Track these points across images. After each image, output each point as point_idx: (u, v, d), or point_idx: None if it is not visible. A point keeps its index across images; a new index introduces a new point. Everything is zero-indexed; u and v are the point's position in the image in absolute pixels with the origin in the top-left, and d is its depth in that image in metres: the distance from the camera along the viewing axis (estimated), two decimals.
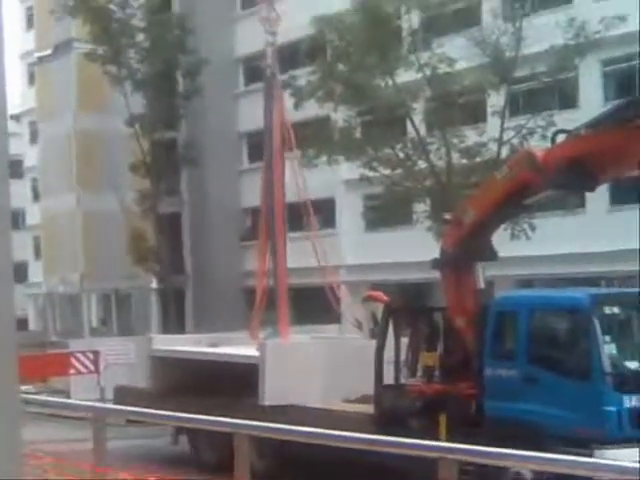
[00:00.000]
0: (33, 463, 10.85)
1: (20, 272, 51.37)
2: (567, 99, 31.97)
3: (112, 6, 40.92)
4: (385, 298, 17.78)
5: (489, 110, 30.66)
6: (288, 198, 23.49)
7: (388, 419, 15.70)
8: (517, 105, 31.51)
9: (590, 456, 11.75)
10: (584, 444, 12.48)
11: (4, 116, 3.57)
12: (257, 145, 41.90)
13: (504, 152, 28.02)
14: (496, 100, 29.90)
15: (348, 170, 34.66)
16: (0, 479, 3.43)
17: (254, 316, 22.50)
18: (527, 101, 31.49)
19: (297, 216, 24.92)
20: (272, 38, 24.50)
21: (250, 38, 40.94)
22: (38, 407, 19.91)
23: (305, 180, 23.77)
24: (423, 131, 30.33)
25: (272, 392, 17.72)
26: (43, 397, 19.75)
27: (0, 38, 3.52)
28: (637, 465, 8.94)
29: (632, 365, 13.55)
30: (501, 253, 16.09)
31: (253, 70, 44.17)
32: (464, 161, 28.95)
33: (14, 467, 3.54)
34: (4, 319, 3.49)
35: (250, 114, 41.79)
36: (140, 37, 42.08)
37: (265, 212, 23.49)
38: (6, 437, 3.47)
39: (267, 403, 17.61)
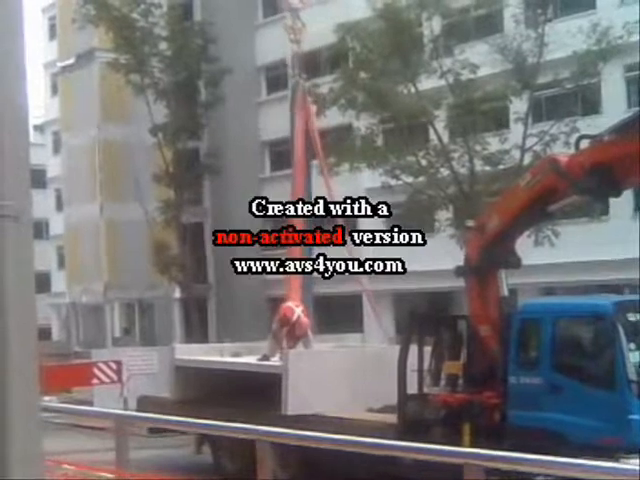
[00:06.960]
0: (55, 472, 10.84)
1: (43, 282, 51.46)
2: (590, 105, 31.78)
3: (134, 15, 41.00)
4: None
5: (512, 117, 30.51)
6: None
7: (412, 429, 15.59)
8: (540, 111, 31.34)
9: None
10: (609, 453, 12.34)
11: (26, 127, 3.57)
12: (279, 153, 42.06)
13: (527, 159, 27.89)
14: (519, 107, 29.74)
15: (370, 178, 34.54)
16: None
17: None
18: (550, 107, 31.32)
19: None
20: (297, 47, 24.56)
21: (272, 47, 41.08)
22: (63, 416, 19.98)
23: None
24: (446, 138, 30.22)
25: (295, 401, 17.65)
26: (67, 405, 19.78)
27: (23, 48, 3.51)
28: None
29: None
30: (525, 260, 15.97)
31: (275, 79, 44.27)
32: (487, 168, 28.83)
33: (35, 474, 3.53)
34: (26, 329, 3.48)
35: (272, 123, 41.83)
36: (163, 46, 42.17)
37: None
38: (27, 446, 3.46)
39: (290, 412, 17.54)
